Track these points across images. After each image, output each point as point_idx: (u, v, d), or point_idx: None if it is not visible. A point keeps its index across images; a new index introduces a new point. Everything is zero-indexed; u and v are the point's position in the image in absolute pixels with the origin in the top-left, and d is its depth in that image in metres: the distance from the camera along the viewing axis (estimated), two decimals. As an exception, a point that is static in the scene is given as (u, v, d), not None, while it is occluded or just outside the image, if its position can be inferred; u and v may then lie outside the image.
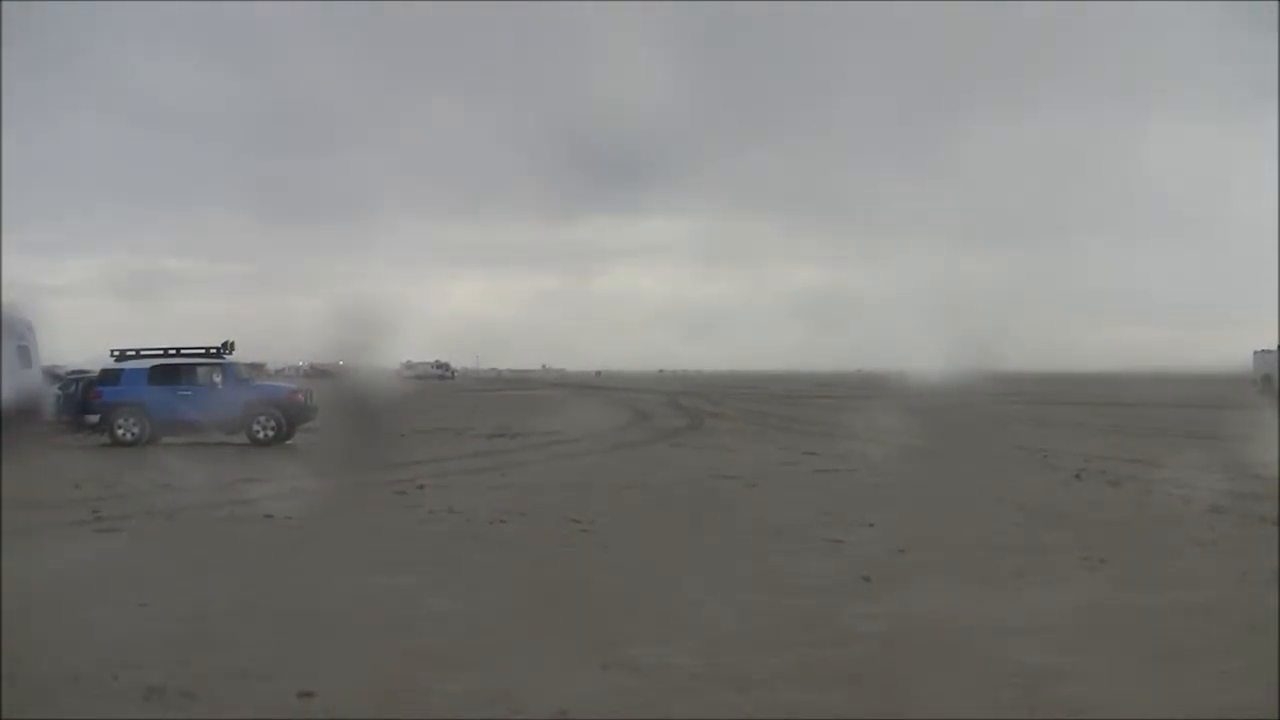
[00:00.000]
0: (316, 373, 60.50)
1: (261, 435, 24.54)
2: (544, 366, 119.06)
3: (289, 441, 24.75)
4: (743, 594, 9.17)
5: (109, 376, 25.39)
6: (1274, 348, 51.01)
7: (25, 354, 22.96)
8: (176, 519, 13.59)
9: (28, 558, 10.43)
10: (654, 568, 10.43)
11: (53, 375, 27.72)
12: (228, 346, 25.45)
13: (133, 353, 25.48)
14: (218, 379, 25.15)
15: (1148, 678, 6.79)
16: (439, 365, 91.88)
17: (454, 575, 9.96)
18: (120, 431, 24.71)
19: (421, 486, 16.12)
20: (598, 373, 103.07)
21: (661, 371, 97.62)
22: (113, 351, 25.72)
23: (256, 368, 27.25)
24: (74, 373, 28.63)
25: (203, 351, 25.48)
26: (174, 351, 25.55)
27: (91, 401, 25.19)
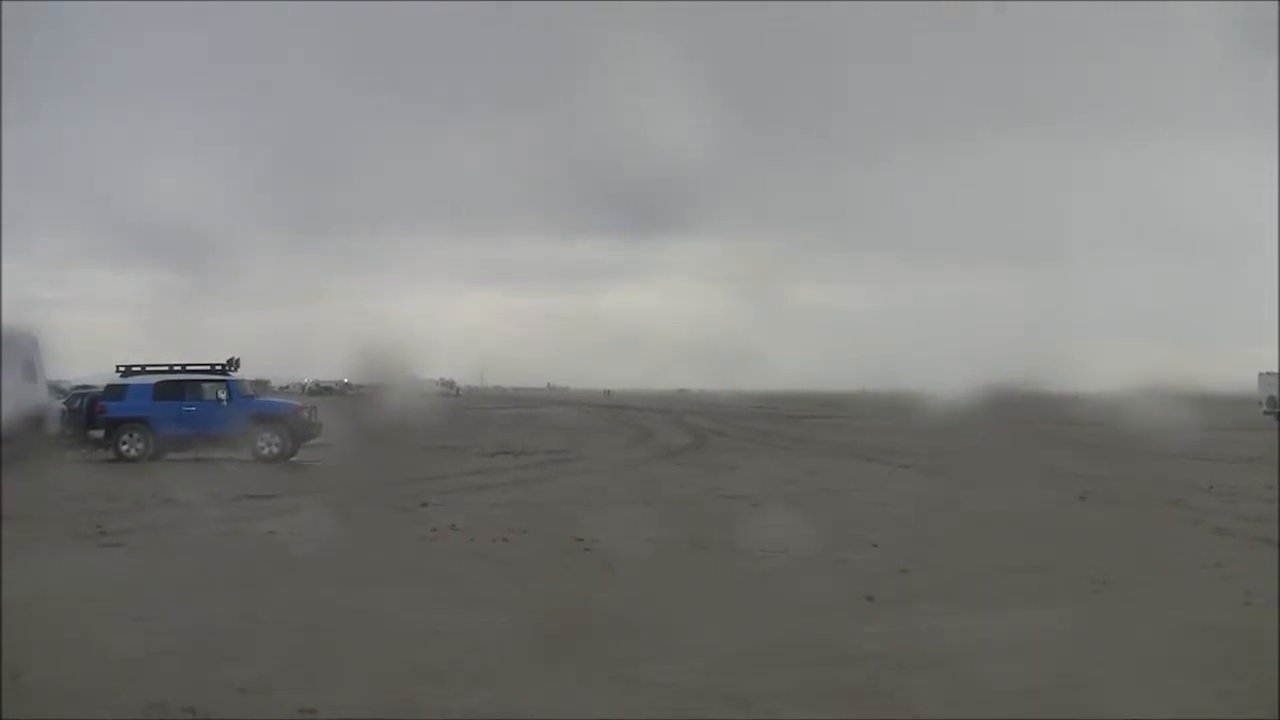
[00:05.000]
0: (320, 390, 60.58)
1: (265, 452, 24.53)
2: (549, 385, 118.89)
3: (293, 458, 24.75)
4: (745, 612, 9.15)
5: (114, 392, 25.45)
6: (1278, 370, 50.92)
7: (30, 369, 23.02)
8: (179, 534, 13.59)
9: (31, 572, 10.43)
10: (656, 586, 10.41)
11: (58, 390, 27.81)
12: (232, 363, 25.50)
13: (138, 368, 25.53)
14: (222, 395, 25.19)
15: (1149, 698, 6.76)
16: (444, 382, 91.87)
17: (456, 593, 9.94)
18: (125, 447, 24.74)
19: (424, 504, 16.11)
20: (607, 392, 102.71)
21: (683, 391, 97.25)
22: (118, 367, 25.79)
23: (261, 384, 27.30)
24: (79, 388, 28.71)
25: (207, 368, 25.54)
26: (179, 367, 25.62)
27: (96, 417, 25.24)
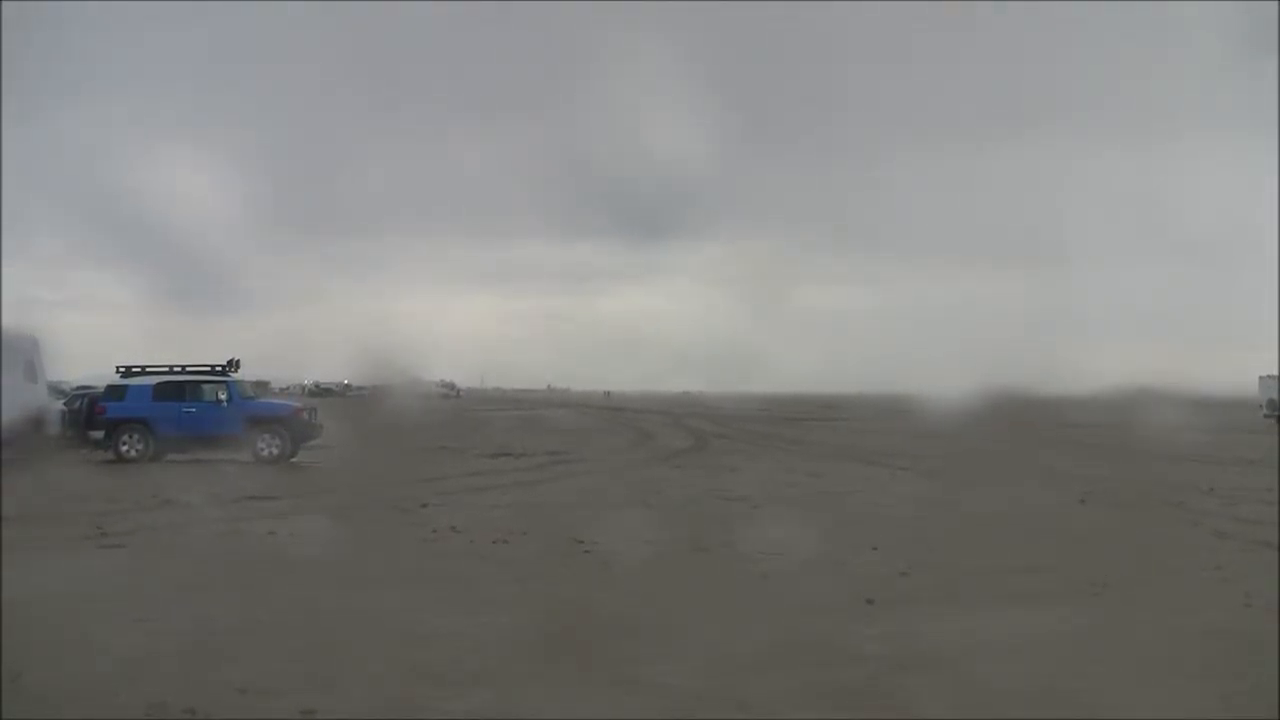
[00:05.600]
0: (320, 391, 60.56)
1: (265, 453, 24.53)
2: (549, 387, 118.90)
3: (293, 459, 24.76)
4: (745, 614, 9.15)
5: (114, 393, 25.46)
6: (1278, 373, 50.91)
7: (31, 370, 23.05)
8: (180, 535, 13.59)
9: (31, 572, 10.43)
10: (656, 587, 10.41)
11: (58, 391, 27.83)
12: (232, 364, 25.51)
13: (138, 369, 25.55)
14: (222, 396, 25.20)
15: (1149, 700, 6.76)
16: (445, 384, 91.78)
17: (456, 594, 9.95)
18: (125, 448, 24.73)
19: (424, 505, 16.12)
20: (607, 394, 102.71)
21: (684, 393, 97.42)
22: (118, 368, 25.81)
23: (261, 386, 27.30)
24: (79, 389, 28.74)
25: (208, 369, 25.56)
26: (179, 368, 25.64)
27: (96, 417, 25.24)
